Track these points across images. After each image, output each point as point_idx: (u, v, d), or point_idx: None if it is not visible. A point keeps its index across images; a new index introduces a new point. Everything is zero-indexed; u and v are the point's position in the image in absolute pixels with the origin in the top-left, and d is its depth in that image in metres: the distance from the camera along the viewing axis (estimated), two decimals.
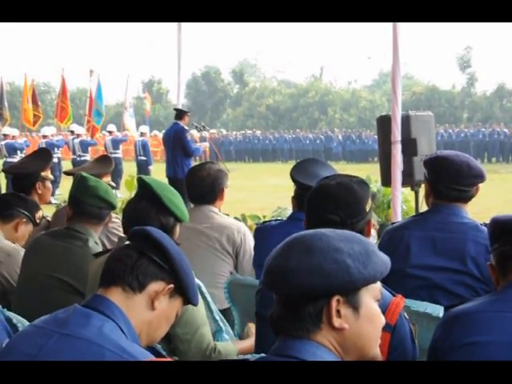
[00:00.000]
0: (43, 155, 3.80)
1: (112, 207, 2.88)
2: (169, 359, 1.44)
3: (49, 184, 3.69)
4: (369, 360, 1.36)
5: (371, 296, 1.34)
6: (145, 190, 2.33)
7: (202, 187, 3.38)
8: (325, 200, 2.07)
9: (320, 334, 1.30)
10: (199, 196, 3.42)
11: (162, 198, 2.28)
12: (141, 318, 1.53)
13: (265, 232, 3.06)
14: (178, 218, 2.33)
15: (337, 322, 1.30)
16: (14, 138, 14.69)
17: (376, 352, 1.37)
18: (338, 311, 1.30)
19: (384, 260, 1.36)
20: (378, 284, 1.37)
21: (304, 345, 1.30)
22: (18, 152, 14.18)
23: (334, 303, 1.29)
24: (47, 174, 3.67)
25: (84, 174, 2.89)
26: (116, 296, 1.52)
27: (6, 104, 16.74)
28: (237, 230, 3.35)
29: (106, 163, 3.87)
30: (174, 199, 2.33)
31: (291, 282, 1.29)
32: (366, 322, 1.33)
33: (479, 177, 2.57)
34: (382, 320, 1.38)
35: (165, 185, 2.41)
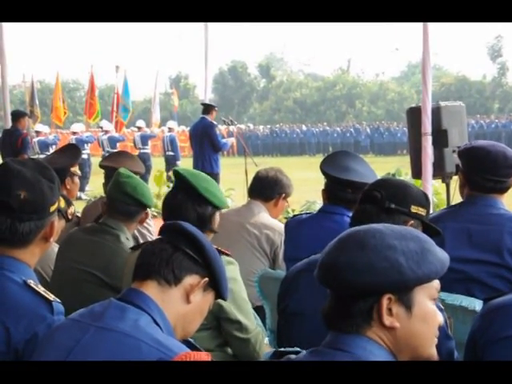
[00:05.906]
0: (72, 151, 3.82)
1: (141, 205, 2.79)
2: (203, 353, 1.43)
3: (77, 179, 3.71)
4: (423, 360, 1.32)
5: (426, 295, 1.31)
6: (180, 181, 2.31)
7: (263, 181, 3.41)
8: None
9: (370, 331, 1.29)
10: (256, 189, 3.44)
11: (198, 188, 2.26)
12: (176, 311, 1.54)
13: (295, 226, 3.03)
14: (216, 206, 2.30)
15: (387, 320, 1.28)
16: (46, 135, 14.92)
17: (432, 352, 1.33)
18: (390, 309, 1.28)
19: (441, 259, 1.31)
20: (435, 283, 1.33)
21: (354, 339, 1.28)
22: (50, 148, 14.38)
23: (384, 301, 1.27)
24: (76, 169, 3.70)
25: (121, 169, 2.89)
26: (151, 289, 1.52)
27: (36, 102, 17.05)
28: (278, 231, 3.32)
29: (138, 164, 3.86)
30: (210, 187, 2.30)
31: (341, 279, 1.28)
32: (418, 321, 1.30)
33: None
34: (439, 320, 1.34)
35: (199, 174, 2.39)
